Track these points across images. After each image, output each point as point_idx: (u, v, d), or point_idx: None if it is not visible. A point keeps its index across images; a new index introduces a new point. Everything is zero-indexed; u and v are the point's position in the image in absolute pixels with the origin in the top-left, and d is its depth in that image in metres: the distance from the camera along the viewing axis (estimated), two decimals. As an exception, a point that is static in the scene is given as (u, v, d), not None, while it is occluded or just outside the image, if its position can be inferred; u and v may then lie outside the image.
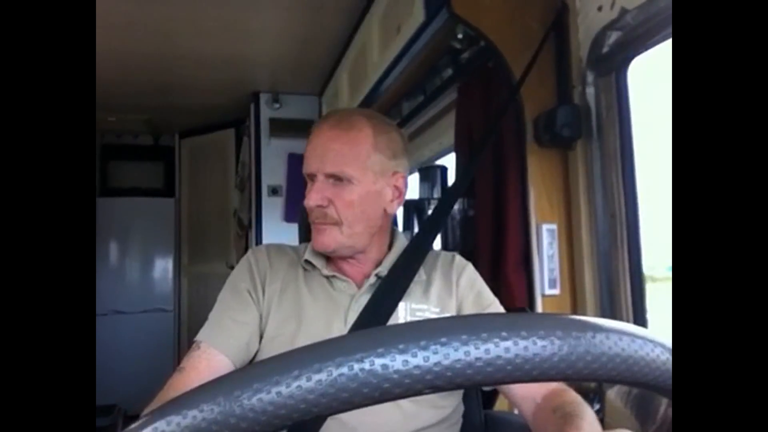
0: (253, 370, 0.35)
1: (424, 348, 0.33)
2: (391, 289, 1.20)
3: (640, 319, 1.53)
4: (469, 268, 1.28)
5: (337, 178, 1.15)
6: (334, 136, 1.17)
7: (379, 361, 0.33)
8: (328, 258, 1.25)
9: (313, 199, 1.15)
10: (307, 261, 1.23)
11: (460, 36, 2.07)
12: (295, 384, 0.33)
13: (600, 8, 1.53)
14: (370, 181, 1.17)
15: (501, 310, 1.26)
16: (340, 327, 1.16)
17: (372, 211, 1.19)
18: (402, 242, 1.29)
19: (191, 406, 0.33)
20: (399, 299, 1.19)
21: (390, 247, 1.27)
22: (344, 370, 0.33)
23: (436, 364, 0.33)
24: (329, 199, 1.15)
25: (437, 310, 1.21)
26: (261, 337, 1.18)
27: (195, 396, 0.34)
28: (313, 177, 1.17)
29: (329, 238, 1.17)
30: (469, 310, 1.22)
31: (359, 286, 1.21)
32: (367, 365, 0.33)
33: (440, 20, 1.94)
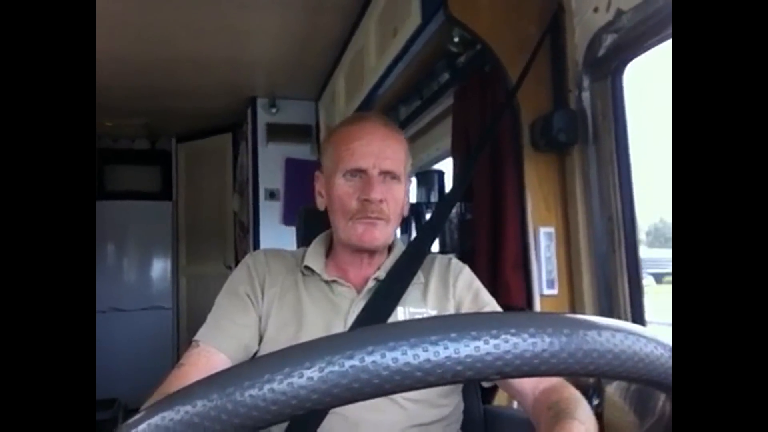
0: (260, 362, 0.35)
1: (456, 340, 0.33)
2: (389, 293, 1.20)
3: (638, 320, 1.53)
4: (466, 270, 1.29)
5: (391, 176, 1.19)
6: (388, 135, 1.21)
7: (390, 354, 0.33)
8: (329, 262, 1.26)
9: (378, 192, 1.16)
10: (306, 267, 1.24)
11: (456, 39, 2.08)
12: (307, 375, 0.33)
13: (596, 9, 1.53)
14: (404, 182, 1.23)
15: (498, 310, 1.27)
16: (339, 331, 1.16)
17: (402, 211, 1.24)
18: (400, 247, 1.31)
19: (185, 401, 0.34)
20: (397, 302, 1.19)
21: (389, 251, 1.28)
22: (355, 362, 0.33)
23: (447, 357, 0.33)
24: (384, 195, 1.17)
25: (434, 313, 1.21)
26: (260, 340, 1.18)
27: (196, 389, 0.34)
28: (361, 172, 1.18)
29: (380, 233, 1.19)
30: (466, 311, 1.23)
31: (359, 291, 1.22)
32: (378, 358, 0.33)
33: (437, 23, 1.94)
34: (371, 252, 1.23)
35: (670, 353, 0.36)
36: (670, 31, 1.35)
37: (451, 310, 1.22)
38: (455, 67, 2.22)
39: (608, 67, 1.57)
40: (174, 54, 3.30)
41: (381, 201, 1.17)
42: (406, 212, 1.27)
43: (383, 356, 0.33)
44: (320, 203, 1.28)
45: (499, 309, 1.27)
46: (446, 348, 0.33)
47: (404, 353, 0.33)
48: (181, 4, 2.69)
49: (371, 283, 1.22)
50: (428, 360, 0.33)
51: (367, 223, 1.17)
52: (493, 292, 1.29)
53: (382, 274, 1.22)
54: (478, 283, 1.28)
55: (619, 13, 1.44)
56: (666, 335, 0.37)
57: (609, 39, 1.51)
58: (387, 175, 1.18)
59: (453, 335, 0.33)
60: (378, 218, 1.17)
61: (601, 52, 1.54)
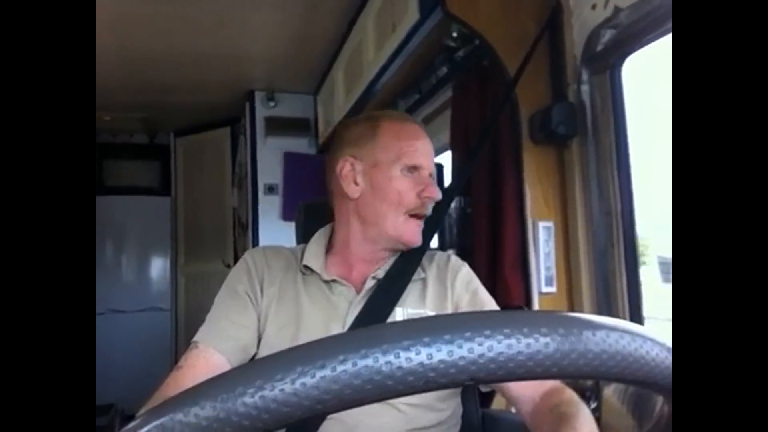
0: (255, 367, 0.34)
1: (450, 342, 0.33)
2: (388, 293, 1.20)
3: (636, 317, 1.53)
4: (465, 268, 1.28)
5: (431, 177, 1.24)
6: (429, 140, 1.27)
7: (384, 358, 0.33)
8: (329, 260, 1.25)
9: (437, 191, 1.21)
10: (305, 266, 1.23)
11: (454, 34, 2.08)
12: (299, 381, 0.33)
13: (594, 6, 1.53)
14: None
15: (497, 309, 1.26)
16: (338, 331, 1.15)
17: None
18: None
19: (191, 403, 0.33)
20: (395, 302, 1.19)
21: None
22: (348, 366, 0.33)
23: (461, 358, 0.33)
24: None
25: (432, 313, 1.20)
26: (259, 341, 1.18)
27: (194, 394, 0.34)
28: (416, 169, 1.21)
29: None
30: (464, 310, 1.22)
31: (358, 291, 1.21)
32: (371, 361, 0.33)
33: (435, 18, 1.94)
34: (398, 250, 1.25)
35: (670, 354, 0.36)
36: (668, 26, 1.35)
37: (449, 310, 1.21)
38: (454, 62, 2.22)
39: (607, 61, 1.57)
40: (172, 48, 3.28)
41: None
42: None
43: (376, 360, 0.33)
44: (354, 191, 1.23)
45: (497, 308, 1.26)
46: (460, 347, 0.33)
47: (397, 356, 0.33)
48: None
49: (370, 283, 1.21)
50: (421, 363, 0.33)
51: (418, 225, 1.21)
52: (492, 290, 1.28)
53: (381, 273, 1.22)
54: (476, 282, 1.27)
55: (617, 9, 1.44)
56: (666, 336, 0.37)
57: (607, 35, 1.51)
58: (431, 176, 1.23)
59: (425, 339, 0.33)
60: (423, 216, 1.22)
61: (600, 47, 1.54)
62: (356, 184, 1.23)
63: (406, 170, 1.20)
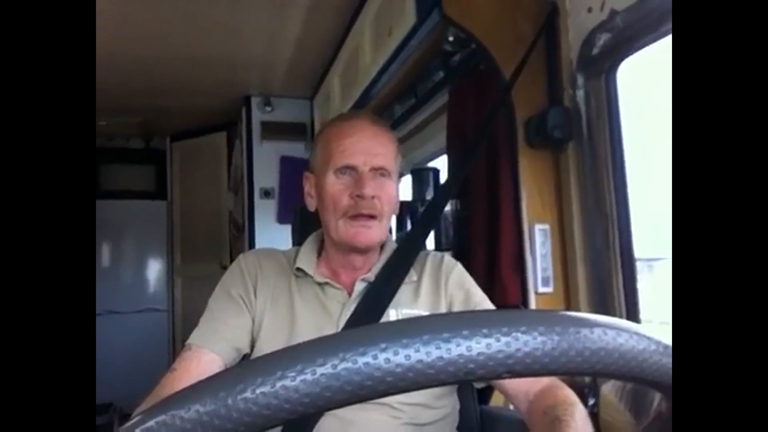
0: (250, 366, 0.35)
1: (427, 343, 0.33)
2: (381, 294, 1.20)
3: (632, 317, 1.54)
4: (458, 268, 1.29)
5: (382, 173, 1.18)
6: (378, 132, 1.21)
7: (382, 356, 0.33)
8: (320, 263, 1.25)
9: (371, 188, 1.15)
10: (298, 269, 1.23)
11: (451, 38, 2.08)
12: (299, 378, 0.33)
13: (590, 9, 1.54)
14: (395, 180, 1.22)
15: (491, 307, 1.27)
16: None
17: (394, 208, 1.24)
18: (391, 246, 1.30)
19: (188, 402, 0.33)
20: (388, 303, 1.19)
21: (380, 250, 1.28)
22: (348, 364, 0.33)
23: (439, 358, 0.33)
24: (376, 191, 1.17)
25: (426, 313, 1.21)
26: (252, 344, 1.18)
27: (191, 393, 0.34)
28: (351, 169, 1.17)
29: (375, 233, 1.19)
30: (458, 309, 1.22)
31: (350, 293, 1.21)
32: (391, 356, 0.33)
33: (431, 22, 1.94)
34: (364, 252, 1.23)
35: (670, 353, 0.37)
36: (664, 30, 1.36)
37: (443, 310, 1.22)
38: (450, 66, 2.22)
39: (602, 65, 1.57)
40: (169, 52, 3.28)
41: (373, 197, 1.16)
42: (396, 211, 1.27)
43: (396, 353, 0.33)
44: (311, 204, 1.27)
45: (491, 306, 1.27)
46: (458, 345, 0.33)
47: (417, 350, 0.33)
48: (177, 2, 2.68)
49: (360, 286, 1.21)
50: (441, 357, 0.33)
51: (361, 225, 1.17)
52: (490, 290, 1.29)
53: (371, 276, 1.22)
54: (470, 281, 1.28)
55: (613, 13, 1.45)
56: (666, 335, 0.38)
57: (603, 38, 1.52)
58: (378, 171, 1.18)
59: (465, 332, 0.33)
60: (371, 216, 1.17)
61: (595, 51, 1.55)
62: (311, 197, 1.26)
63: (339, 173, 1.18)
